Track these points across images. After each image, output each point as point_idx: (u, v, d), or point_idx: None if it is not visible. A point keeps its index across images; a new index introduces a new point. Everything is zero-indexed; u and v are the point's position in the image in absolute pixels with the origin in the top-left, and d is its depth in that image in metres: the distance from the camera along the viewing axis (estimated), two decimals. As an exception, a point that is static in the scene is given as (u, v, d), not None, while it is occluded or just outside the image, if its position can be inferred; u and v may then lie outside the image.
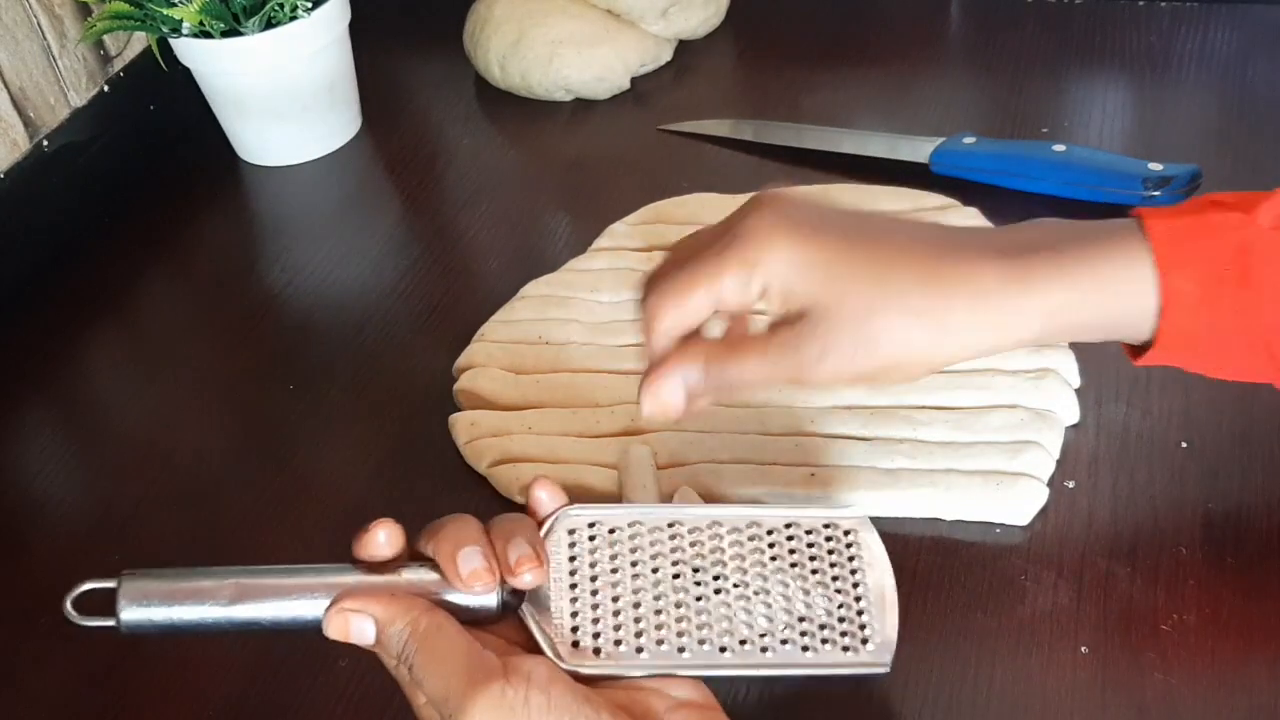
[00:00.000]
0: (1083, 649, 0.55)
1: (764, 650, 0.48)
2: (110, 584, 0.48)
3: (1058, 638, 0.56)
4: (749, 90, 1.01)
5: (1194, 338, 0.51)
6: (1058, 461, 0.63)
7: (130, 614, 0.48)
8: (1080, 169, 0.79)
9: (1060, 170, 0.79)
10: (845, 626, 0.48)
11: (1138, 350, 0.53)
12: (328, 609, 0.48)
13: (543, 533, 0.50)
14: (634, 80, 1.00)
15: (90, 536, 0.69)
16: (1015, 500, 0.61)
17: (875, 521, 0.60)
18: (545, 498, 0.52)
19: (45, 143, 0.90)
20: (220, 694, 0.60)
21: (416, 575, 0.49)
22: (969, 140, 0.83)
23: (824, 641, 0.48)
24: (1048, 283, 0.51)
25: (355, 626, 0.48)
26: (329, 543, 0.65)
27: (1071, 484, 0.62)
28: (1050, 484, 0.62)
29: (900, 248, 0.51)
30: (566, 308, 0.76)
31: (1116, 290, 0.51)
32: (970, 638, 0.57)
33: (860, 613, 0.49)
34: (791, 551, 0.51)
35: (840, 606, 0.49)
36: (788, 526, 0.51)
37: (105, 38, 0.95)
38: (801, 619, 0.49)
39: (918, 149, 0.84)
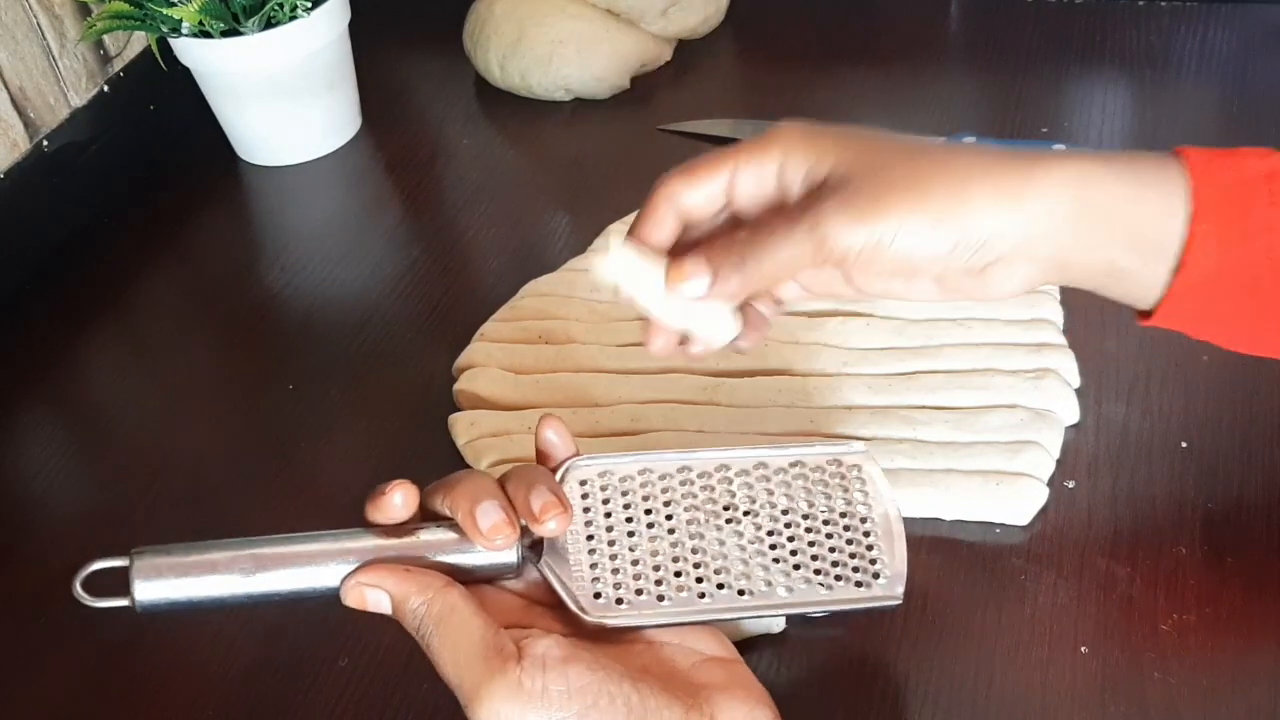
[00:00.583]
0: (1083, 649, 0.55)
1: (786, 590, 0.48)
2: (121, 562, 0.47)
3: (1058, 637, 0.56)
4: (749, 90, 1.01)
5: (1221, 266, 0.49)
6: (1057, 461, 0.63)
7: (145, 593, 0.46)
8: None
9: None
10: (856, 562, 0.49)
11: (1146, 313, 0.51)
12: (343, 581, 0.47)
13: None
14: (634, 80, 1.00)
15: (90, 536, 0.69)
16: (1015, 500, 0.61)
17: None
18: (555, 438, 0.52)
19: (45, 143, 0.90)
20: (219, 694, 0.60)
21: (434, 535, 0.48)
22: (969, 140, 0.83)
23: (837, 578, 0.49)
24: (1073, 160, 0.50)
25: (371, 599, 0.47)
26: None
27: (1071, 484, 0.62)
28: (1050, 484, 0.62)
29: (916, 139, 0.52)
30: (566, 308, 0.76)
31: (1145, 182, 0.49)
32: (970, 638, 0.57)
33: (870, 547, 0.50)
34: (802, 490, 0.51)
35: (850, 543, 0.50)
36: (794, 465, 0.52)
37: (105, 37, 0.95)
38: (814, 557, 0.49)
39: (918, 148, 0.84)
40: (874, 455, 0.53)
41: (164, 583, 0.46)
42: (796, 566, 0.49)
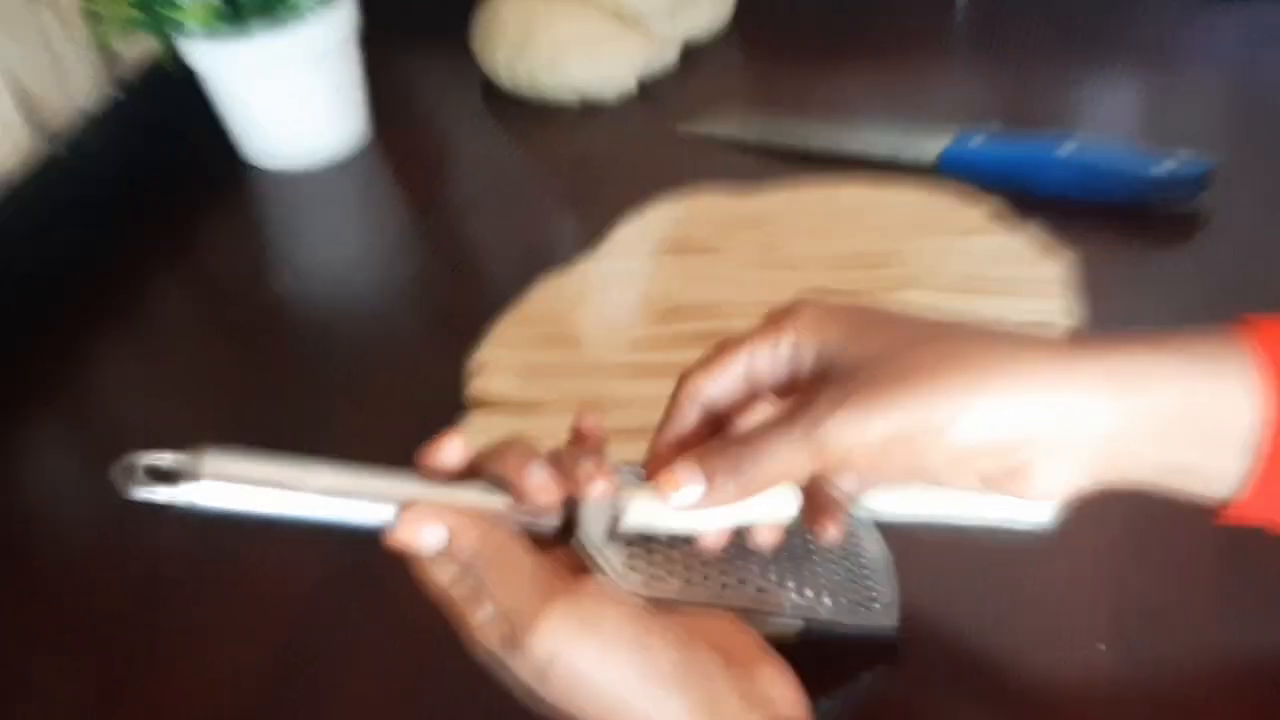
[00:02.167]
0: (1100, 647, 0.55)
1: (793, 595, 0.53)
2: (172, 458, 0.46)
3: (1075, 636, 0.56)
4: (756, 89, 1.01)
5: None
6: (1072, 460, 0.63)
7: (208, 495, 0.45)
8: (1090, 166, 0.79)
9: (1070, 167, 0.79)
10: (853, 590, 0.55)
11: (1224, 504, 0.47)
12: (400, 511, 0.48)
13: None
14: (641, 81, 1.00)
15: (99, 541, 0.69)
16: (1031, 501, 0.61)
17: (893, 524, 0.61)
18: (591, 428, 0.53)
19: (53, 146, 0.90)
20: (230, 702, 0.59)
21: (481, 491, 0.49)
22: (978, 138, 0.83)
23: (840, 600, 0.54)
24: (1123, 343, 0.45)
25: (426, 532, 0.47)
26: (339, 546, 0.65)
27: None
28: (1065, 482, 0.62)
29: (942, 317, 0.48)
30: (577, 308, 0.76)
31: (1211, 364, 0.44)
32: (987, 637, 0.57)
33: (866, 579, 0.56)
34: (804, 541, 0.55)
35: (848, 571, 0.55)
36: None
37: (114, 41, 0.95)
38: (821, 577, 0.54)
39: (926, 147, 0.84)
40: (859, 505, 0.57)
41: (228, 487, 0.46)
42: (804, 582, 0.53)
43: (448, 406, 0.72)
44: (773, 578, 0.53)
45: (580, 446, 0.52)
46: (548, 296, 0.77)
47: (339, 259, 0.88)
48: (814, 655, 0.54)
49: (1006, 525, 0.61)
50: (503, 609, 0.46)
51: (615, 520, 0.51)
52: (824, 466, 0.47)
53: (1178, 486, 0.47)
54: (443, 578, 0.49)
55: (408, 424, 0.72)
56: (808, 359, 0.49)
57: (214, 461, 0.46)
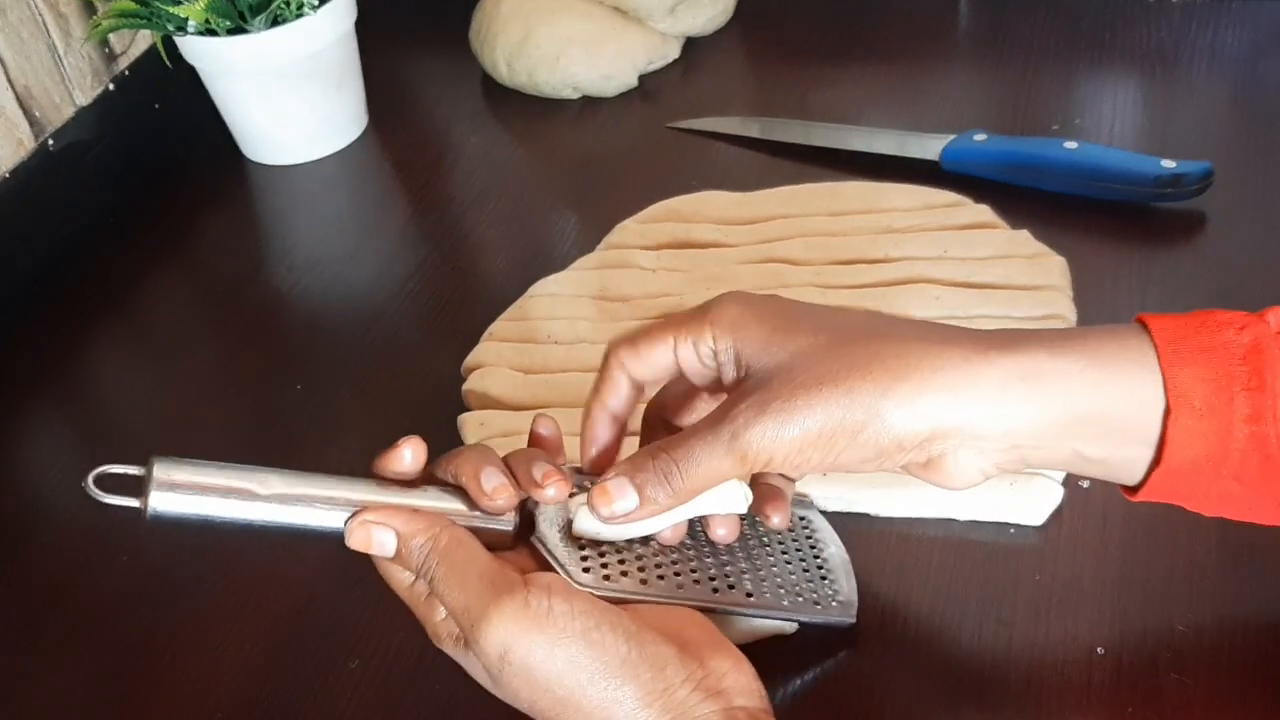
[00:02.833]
0: (1098, 649, 0.55)
1: (749, 595, 0.53)
2: (136, 470, 0.48)
3: (1073, 638, 0.56)
4: (757, 87, 1.00)
5: (1203, 457, 0.46)
6: (1072, 461, 0.63)
7: (160, 501, 0.47)
8: (1091, 166, 0.78)
9: (1071, 168, 0.79)
10: (812, 586, 0.55)
11: (1133, 487, 0.49)
12: (349, 520, 0.49)
13: None
14: (642, 78, 0.99)
15: (97, 539, 0.69)
16: (1030, 500, 0.61)
17: (890, 522, 0.62)
18: (546, 434, 0.54)
19: (50, 141, 0.90)
20: (229, 696, 0.59)
21: (438, 496, 0.51)
22: (979, 137, 0.83)
23: (798, 596, 0.54)
24: (1021, 348, 0.47)
25: (377, 538, 0.49)
26: (338, 544, 0.64)
27: (1086, 484, 0.62)
28: (1065, 484, 0.61)
29: (862, 315, 0.50)
30: (575, 307, 0.75)
31: (1108, 369, 0.46)
32: (984, 638, 0.56)
33: (824, 578, 0.56)
34: (760, 539, 0.56)
35: (805, 570, 0.56)
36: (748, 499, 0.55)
37: (110, 36, 0.95)
38: (778, 576, 0.55)
39: (928, 146, 0.84)
40: (817, 506, 0.61)
41: (180, 497, 0.47)
42: (763, 579, 0.54)
43: (444, 403, 0.72)
44: (730, 575, 0.53)
45: (536, 449, 0.53)
46: (546, 295, 0.77)
47: (336, 255, 0.87)
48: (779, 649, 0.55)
49: (1004, 525, 0.61)
50: (453, 608, 0.47)
51: (569, 522, 0.52)
52: (749, 470, 0.48)
53: (1088, 475, 0.50)
54: (401, 579, 0.50)
55: (403, 420, 0.72)
56: (728, 361, 0.50)
57: (163, 469, 0.47)
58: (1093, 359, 0.47)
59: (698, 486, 0.49)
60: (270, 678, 0.60)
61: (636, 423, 0.56)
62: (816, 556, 0.57)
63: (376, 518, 0.49)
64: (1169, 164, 0.77)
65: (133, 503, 0.47)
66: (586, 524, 0.51)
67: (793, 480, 0.54)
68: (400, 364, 0.77)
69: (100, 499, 0.47)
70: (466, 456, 0.51)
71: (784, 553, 0.56)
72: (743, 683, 0.47)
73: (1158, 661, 0.54)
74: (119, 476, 0.48)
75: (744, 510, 0.53)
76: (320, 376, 0.77)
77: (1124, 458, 0.48)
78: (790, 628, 0.56)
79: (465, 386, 0.72)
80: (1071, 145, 0.80)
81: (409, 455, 0.51)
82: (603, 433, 0.54)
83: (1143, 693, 0.53)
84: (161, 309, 0.87)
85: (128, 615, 0.64)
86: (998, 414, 0.47)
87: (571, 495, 0.51)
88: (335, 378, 0.77)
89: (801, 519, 0.59)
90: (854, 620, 0.56)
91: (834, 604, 0.56)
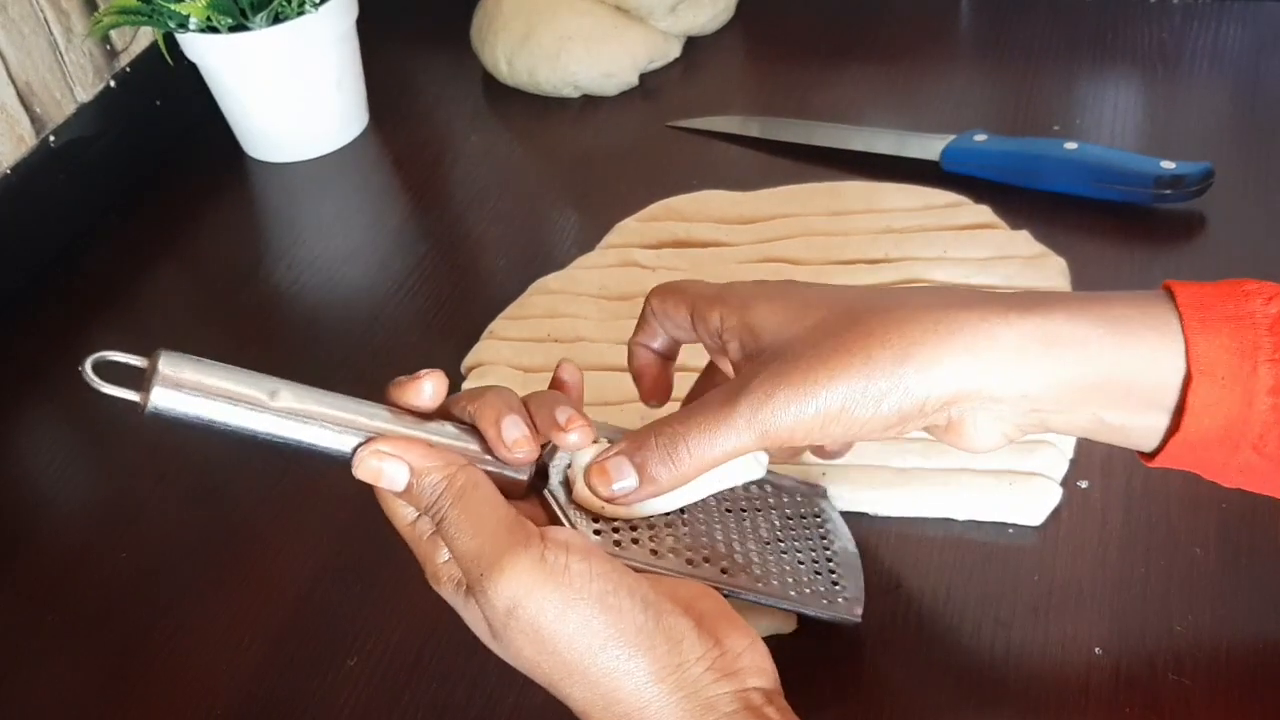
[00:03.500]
0: (1096, 649, 0.55)
1: (758, 580, 0.52)
2: (139, 362, 0.44)
3: (1071, 638, 0.56)
4: (758, 87, 1.00)
5: (1224, 427, 0.45)
6: (1071, 461, 0.63)
7: (163, 397, 0.43)
8: (1092, 167, 0.78)
9: (1072, 168, 0.79)
10: (821, 579, 0.55)
11: (1150, 454, 0.48)
12: (360, 447, 0.46)
13: None
14: (642, 77, 0.99)
15: (96, 536, 0.69)
16: (1029, 500, 0.61)
17: (888, 522, 0.62)
18: (569, 380, 0.53)
19: (51, 138, 0.90)
20: (227, 694, 0.59)
21: (454, 434, 0.48)
22: (980, 138, 0.83)
23: (806, 589, 0.53)
24: (1041, 309, 0.46)
25: (388, 471, 0.46)
26: (336, 540, 0.65)
27: (1085, 484, 0.62)
28: (1064, 484, 0.62)
29: (874, 289, 0.50)
30: (575, 305, 0.75)
31: (1130, 334, 0.45)
32: (983, 638, 0.56)
33: (832, 573, 0.55)
34: (771, 510, 0.56)
35: (815, 561, 0.55)
36: (763, 486, 0.55)
37: (111, 33, 0.95)
38: (787, 565, 0.53)
39: (928, 146, 0.84)
40: (830, 497, 0.60)
41: (184, 396, 0.44)
42: (771, 568, 0.53)
43: (444, 402, 0.71)
44: (739, 559, 0.52)
45: (558, 392, 0.52)
46: (546, 292, 0.77)
47: (336, 253, 0.87)
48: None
49: (1002, 525, 0.61)
50: (462, 554, 0.45)
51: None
52: (768, 446, 0.48)
53: (1109, 441, 0.48)
54: (402, 515, 0.48)
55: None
56: (733, 340, 0.50)
57: (170, 364, 0.44)
58: (1113, 325, 0.46)
59: (706, 464, 0.48)
60: (268, 675, 0.60)
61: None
62: (827, 549, 0.56)
63: (391, 449, 0.46)
64: (1169, 165, 0.77)
65: (132, 396, 0.44)
66: (587, 494, 0.49)
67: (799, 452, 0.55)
68: (400, 362, 0.76)
69: (98, 387, 0.43)
70: (488, 400, 0.48)
71: (795, 542, 0.55)
72: (758, 662, 0.46)
73: (1156, 662, 0.54)
74: (121, 367, 0.44)
75: (760, 476, 0.52)
76: (319, 373, 0.76)
77: (1144, 425, 0.47)
78: (789, 627, 0.56)
79: (465, 385, 0.72)
80: (1072, 146, 0.80)
81: (429, 389, 0.48)
82: (648, 363, 0.54)
83: (1141, 693, 0.53)
84: (161, 305, 0.87)
85: (126, 612, 0.64)
86: (1015, 376, 0.46)
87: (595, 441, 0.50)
88: (334, 374, 0.76)
89: (816, 511, 0.58)
90: (859, 619, 0.55)
91: (840, 600, 0.55)
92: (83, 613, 0.65)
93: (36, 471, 0.74)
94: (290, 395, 0.46)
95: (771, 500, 0.57)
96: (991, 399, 0.46)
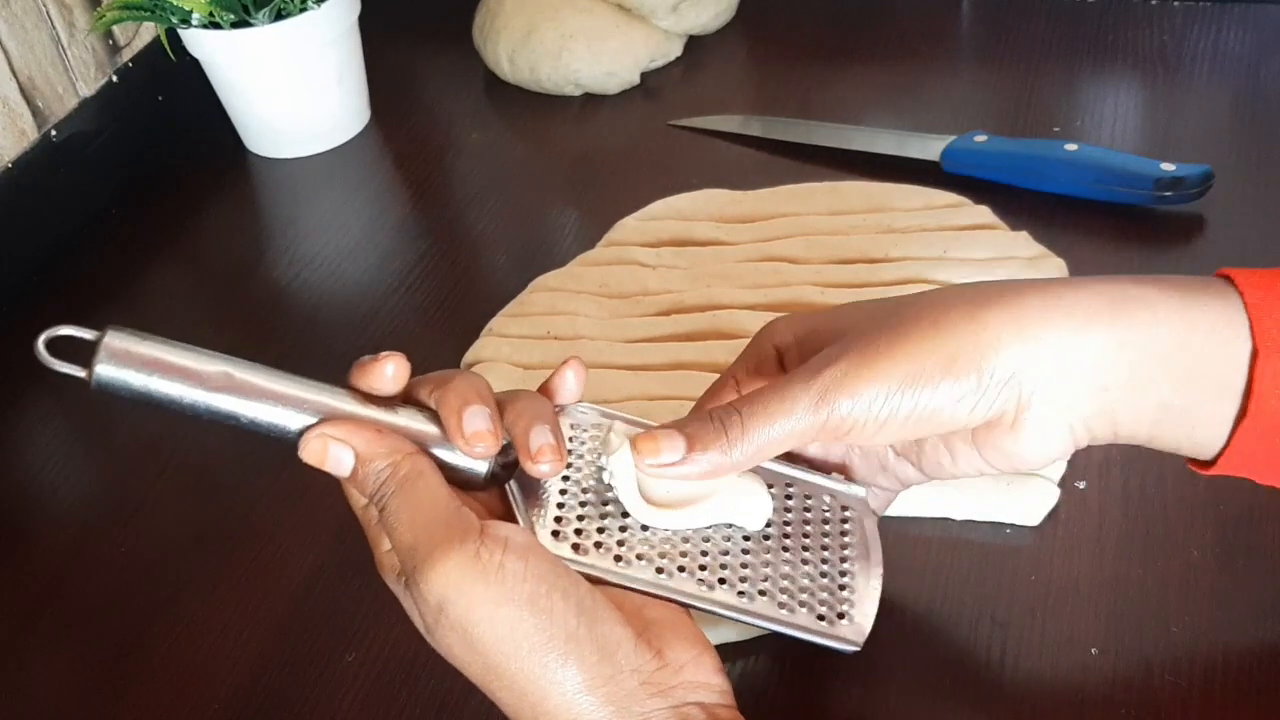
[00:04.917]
0: (1093, 650, 0.55)
1: (740, 595, 0.47)
2: (89, 335, 0.45)
3: (1068, 638, 0.56)
4: (759, 86, 1.00)
5: None
6: (1069, 462, 0.63)
7: (106, 370, 0.44)
8: (1092, 168, 0.79)
9: (1072, 169, 0.79)
10: (824, 597, 0.48)
11: (1206, 461, 0.47)
12: (308, 429, 0.45)
13: None
14: (644, 75, 0.99)
15: (95, 529, 0.69)
16: (1026, 501, 0.61)
17: (885, 521, 0.61)
18: (572, 382, 0.50)
19: (53, 133, 0.90)
20: (225, 689, 0.59)
21: (412, 419, 0.46)
22: (980, 138, 0.83)
23: (801, 605, 0.48)
24: (1114, 277, 0.45)
25: (333, 454, 0.45)
26: (336, 535, 0.65)
27: (1083, 485, 0.62)
28: (1061, 484, 0.62)
29: (932, 292, 0.49)
30: (575, 303, 0.75)
31: (1197, 305, 0.44)
32: (979, 639, 0.56)
33: (842, 588, 0.49)
34: (787, 511, 0.51)
35: (824, 575, 0.49)
36: (789, 485, 0.51)
37: (114, 28, 0.95)
38: (784, 577, 0.48)
39: (929, 146, 0.84)
40: (870, 507, 0.53)
41: (127, 370, 0.44)
42: (764, 580, 0.48)
43: (444, 399, 0.72)
44: (723, 569, 0.48)
45: (546, 403, 0.49)
46: (546, 290, 0.77)
47: (337, 249, 0.87)
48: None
49: (1000, 525, 0.61)
50: (398, 545, 0.44)
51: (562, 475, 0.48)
52: (827, 433, 0.45)
53: (1167, 435, 0.46)
54: (357, 498, 0.47)
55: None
56: (792, 345, 0.50)
57: (117, 338, 0.44)
58: (1182, 293, 0.45)
59: (769, 451, 0.45)
60: (267, 671, 0.60)
61: None
62: (843, 561, 0.50)
63: (337, 432, 0.45)
64: (1169, 166, 0.77)
65: (79, 371, 0.44)
66: (617, 465, 0.46)
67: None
68: (400, 358, 0.77)
69: (48, 364, 0.44)
70: (454, 387, 0.46)
71: (806, 552, 0.50)
72: (700, 677, 0.44)
73: (1152, 663, 0.54)
74: (74, 341, 0.45)
75: (757, 529, 0.49)
76: (319, 369, 0.76)
77: (1210, 414, 0.45)
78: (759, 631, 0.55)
79: (465, 382, 0.72)
80: (1072, 147, 0.80)
81: (390, 370, 0.46)
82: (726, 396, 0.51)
83: (1138, 694, 0.53)
84: (162, 301, 0.88)
85: (125, 606, 0.64)
86: (1084, 340, 0.44)
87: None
88: (334, 371, 0.76)
89: (844, 519, 0.52)
90: (858, 648, 0.48)
91: (844, 623, 0.48)
92: (82, 606, 0.65)
93: (36, 465, 0.74)
94: (239, 372, 0.45)
95: (791, 501, 0.52)
96: (1059, 371, 0.44)
